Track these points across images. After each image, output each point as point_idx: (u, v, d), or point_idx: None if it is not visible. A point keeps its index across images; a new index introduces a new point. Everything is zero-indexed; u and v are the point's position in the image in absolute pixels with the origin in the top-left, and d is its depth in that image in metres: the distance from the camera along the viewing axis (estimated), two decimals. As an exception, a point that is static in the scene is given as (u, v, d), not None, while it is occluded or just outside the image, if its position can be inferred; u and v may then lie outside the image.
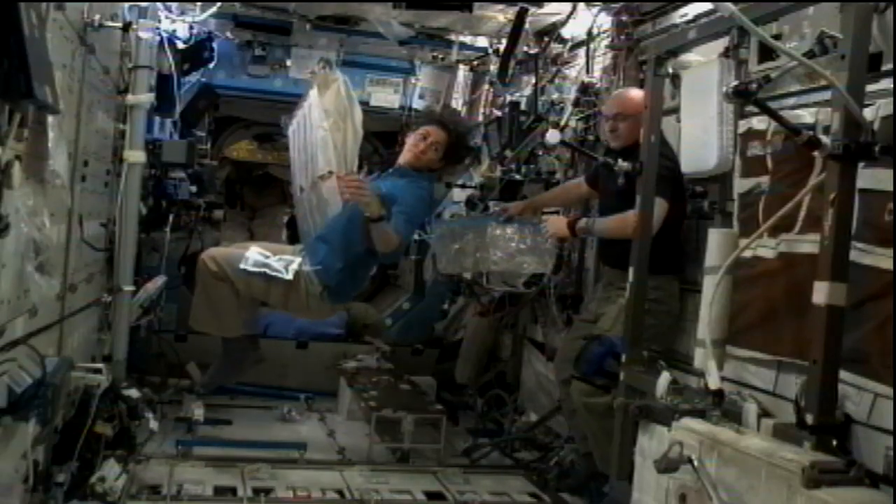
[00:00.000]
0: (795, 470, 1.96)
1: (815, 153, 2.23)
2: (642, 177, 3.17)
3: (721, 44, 3.18)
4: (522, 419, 4.93)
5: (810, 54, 2.45)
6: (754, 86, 2.33)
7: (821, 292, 2.21)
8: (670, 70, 3.19)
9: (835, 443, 2.24)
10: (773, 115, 2.45)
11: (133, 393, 3.73)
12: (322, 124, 5.01)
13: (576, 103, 4.42)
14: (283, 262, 3.98)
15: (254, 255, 3.98)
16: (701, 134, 2.74)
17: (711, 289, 2.81)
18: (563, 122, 4.43)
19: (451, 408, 5.02)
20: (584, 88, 4.03)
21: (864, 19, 2.22)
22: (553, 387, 4.73)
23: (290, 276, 3.90)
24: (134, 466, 3.70)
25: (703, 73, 2.77)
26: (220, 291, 4.00)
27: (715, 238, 2.89)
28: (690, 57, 3.27)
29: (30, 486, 2.52)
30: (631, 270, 3.17)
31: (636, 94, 3.78)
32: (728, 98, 2.43)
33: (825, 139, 2.22)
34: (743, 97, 2.38)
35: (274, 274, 3.89)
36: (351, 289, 4.34)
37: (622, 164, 3.27)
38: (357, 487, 3.81)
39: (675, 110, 3.50)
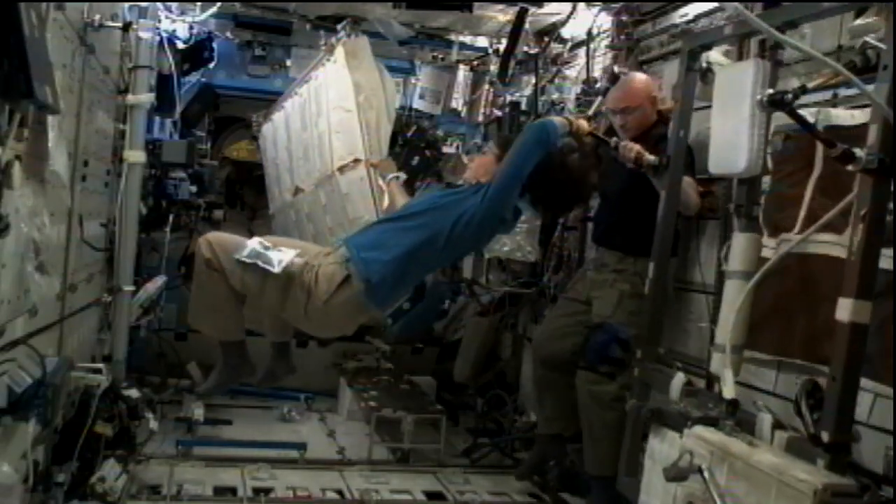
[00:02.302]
0: (807, 491, 1.93)
1: (850, 167, 2.18)
2: (669, 170, 3.13)
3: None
4: (522, 419, 4.92)
5: (850, 65, 2.40)
6: (790, 96, 2.28)
7: (844, 309, 2.15)
8: (704, 64, 3.15)
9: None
10: (807, 125, 2.40)
11: (133, 393, 3.72)
12: (343, 104, 4.40)
13: (604, 93, 4.30)
14: (275, 252, 3.31)
15: (252, 244, 3.33)
16: (731, 136, 2.68)
17: (733, 294, 2.74)
18: (591, 112, 4.34)
19: (451, 408, 5.02)
20: (615, 78, 3.93)
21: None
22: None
23: (277, 270, 3.23)
24: (134, 466, 3.70)
25: (737, 73, 2.73)
26: (212, 283, 3.36)
27: (739, 242, 2.81)
28: (715, 56, 3.25)
29: (30, 486, 2.51)
30: (651, 266, 3.14)
31: (639, 82, 3.76)
32: (762, 107, 2.39)
33: (860, 152, 2.14)
34: (778, 107, 2.34)
35: (264, 266, 3.24)
36: (392, 293, 3.53)
37: (648, 158, 3.25)
38: (357, 487, 3.81)
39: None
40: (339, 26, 4.77)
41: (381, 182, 4.23)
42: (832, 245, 2.60)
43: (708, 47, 3.09)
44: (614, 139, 3.47)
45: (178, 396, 4.85)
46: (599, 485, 3.58)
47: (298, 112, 5.16)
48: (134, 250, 4.10)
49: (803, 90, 2.35)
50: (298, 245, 3.57)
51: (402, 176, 4.19)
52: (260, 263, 3.25)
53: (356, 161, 4.32)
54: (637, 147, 3.33)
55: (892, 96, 2.10)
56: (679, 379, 2.75)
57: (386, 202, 4.12)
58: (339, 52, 4.52)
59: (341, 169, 4.46)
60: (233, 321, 3.49)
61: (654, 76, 4.06)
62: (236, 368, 3.61)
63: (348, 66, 4.34)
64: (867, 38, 2.31)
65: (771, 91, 2.36)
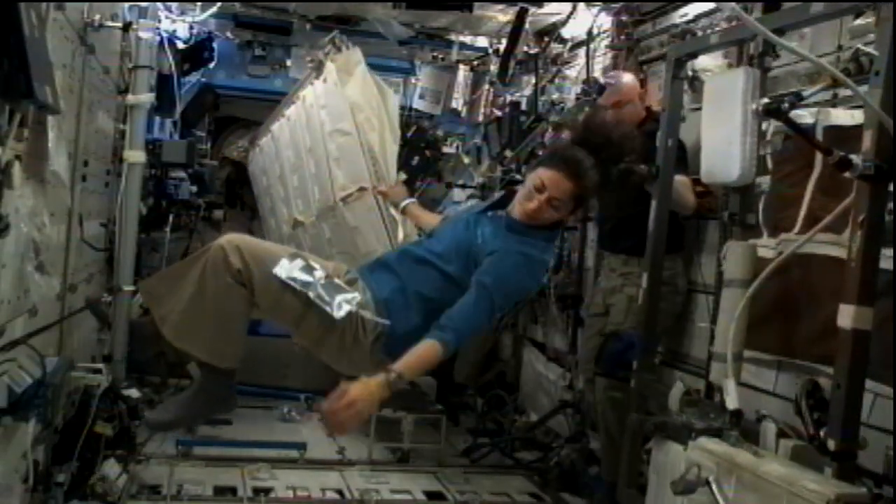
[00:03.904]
0: (819, 502, 1.91)
1: (847, 174, 2.17)
2: (659, 179, 3.12)
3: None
4: (522, 419, 4.93)
5: (844, 71, 2.39)
6: (786, 104, 2.27)
7: (846, 316, 2.13)
8: (689, 73, 3.16)
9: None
10: (802, 133, 2.39)
11: (133, 393, 3.72)
12: (340, 127, 3.93)
13: (591, 104, 4.34)
14: (334, 288, 2.67)
15: (295, 263, 2.67)
16: (723, 144, 2.67)
17: (731, 302, 2.73)
18: None
19: (451, 408, 5.01)
20: (601, 89, 3.96)
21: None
22: (553, 387, 4.74)
23: (341, 314, 2.64)
24: (134, 466, 3.70)
25: (728, 81, 2.71)
26: (232, 300, 2.63)
27: (735, 251, 2.79)
28: (702, 59, 3.25)
29: (30, 486, 2.52)
30: (644, 276, 3.14)
31: (630, 79, 3.80)
32: (758, 115, 2.38)
33: (856, 159, 2.13)
34: (774, 116, 2.33)
35: (319, 302, 2.62)
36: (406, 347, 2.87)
37: (638, 168, 3.26)
38: (357, 487, 3.81)
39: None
40: (325, 40, 4.20)
41: (394, 212, 3.73)
42: (832, 245, 2.60)
43: (694, 56, 3.09)
44: None
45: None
46: (611, 490, 3.56)
47: (289, 138, 4.76)
48: (134, 250, 4.10)
49: (799, 98, 2.35)
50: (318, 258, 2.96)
51: (415, 200, 3.71)
52: (313, 298, 2.62)
53: (361, 190, 3.85)
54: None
55: (885, 101, 2.10)
56: (678, 388, 2.74)
57: (401, 235, 3.74)
58: (330, 69, 4.05)
59: (345, 199, 3.98)
60: (236, 345, 2.78)
61: (654, 76, 4.07)
62: (216, 402, 2.87)
63: (342, 84, 3.87)
64: (859, 46, 2.30)
65: (766, 100, 2.36)
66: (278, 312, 2.74)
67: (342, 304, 2.64)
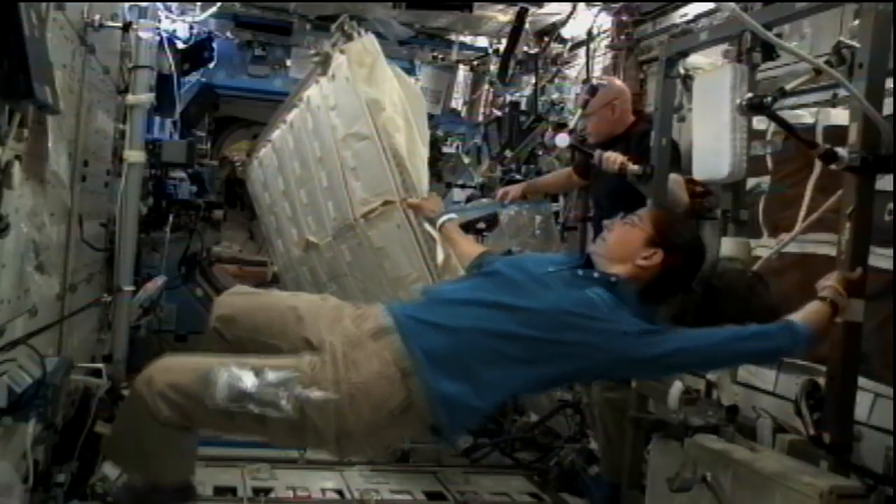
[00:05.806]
0: (813, 495, 1.93)
1: (833, 166, 2.19)
2: (654, 178, 3.13)
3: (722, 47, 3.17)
4: (522, 419, 4.92)
5: (826, 63, 2.41)
6: (769, 99, 2.28)
7: None
8: (681, 71, 3.17)
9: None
10: (787, 127, 2.41)
11: (133, 393, 3.71)
12: (356, 130, 3.43)
13: (583, 105, 4.35)
14: (277, 379, 2.13)
15: (226, 380, 2.14)
16: (713, 141, 2.67)
17: None
18: (571, 126, 4.35)
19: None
20: (593, 91, 3.97)
21: (882, 27, 2.14)
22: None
23: (290, 409, 2.12)
24: (134, 466, 3.69)
25: (716, 78, 2.72)
26: (162, 437, 2.30)
27: (728, 247, 2.78)
28: (698, 59, 3.25)
29: (30, 486, 2.51)
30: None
31: (619, 84, 3.82)
32: (742, 111, 2.39)
33: (842, 151, 2.14)
34: (757, 110, 2.34)
35: (261, 412, 2.11)
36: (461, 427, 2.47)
37: (633, 168, 3.26)
38: (357, 487, 3.81)
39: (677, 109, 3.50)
40: (333, 27, 3.70)
41: (429, 228, 3.23)
42: (832, 245, 2.60)
43: (685, 55, 3.10)
44: (598, 151, 3.47)
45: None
46: (612, 490, 3.56)
47: (294, 148, 4.30)
48: (134, 250, 4.10)
49: (783, 93, 2.36)
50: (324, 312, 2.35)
51: (455, 216, 3.21)
52: (255, 409, 2.11)
53: (387, 204, 3.35)
54: (621, 159, 3.32)
55: (871, 93, 2.11)
56: (677, 388, 2.75)
57: (440, 256, 3.20)
58: (339, 62, 3.56)
59: (367, 216, 3.48)
60: (183, 460, 2.48)
61: (654, 76, 4.07)
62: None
63: (356, 79, 3.36)
64: (841, 38, 2.32)
65: (750, 95, 2.37)
66: (239, 433, 2.39)
67: (285, 402, 2.11)
